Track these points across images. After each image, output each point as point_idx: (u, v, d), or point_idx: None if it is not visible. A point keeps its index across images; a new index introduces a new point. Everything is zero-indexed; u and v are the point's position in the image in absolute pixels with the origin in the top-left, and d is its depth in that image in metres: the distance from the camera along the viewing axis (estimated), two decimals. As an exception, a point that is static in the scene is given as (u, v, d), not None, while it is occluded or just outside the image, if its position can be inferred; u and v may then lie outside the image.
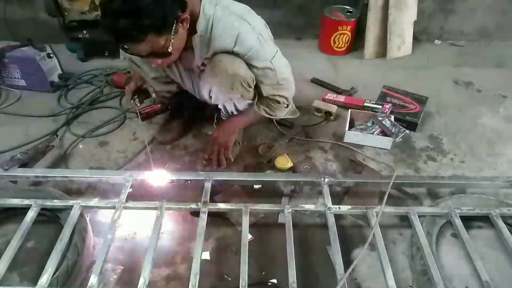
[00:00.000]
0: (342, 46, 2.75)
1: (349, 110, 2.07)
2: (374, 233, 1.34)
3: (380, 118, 1.99)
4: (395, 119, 2.02)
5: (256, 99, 1.66)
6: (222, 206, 1.46)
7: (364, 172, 1.79)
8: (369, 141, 1.93)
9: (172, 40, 1.30)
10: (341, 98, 2.23)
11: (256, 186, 1.68)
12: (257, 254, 1.41)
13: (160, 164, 1.78)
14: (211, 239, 1.47)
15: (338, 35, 2.69)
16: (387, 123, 1.97)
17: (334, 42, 2.72)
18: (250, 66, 1.49)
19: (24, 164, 1.62)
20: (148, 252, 1.26)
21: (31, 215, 1.36)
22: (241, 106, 1.66)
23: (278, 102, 1.65)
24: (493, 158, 1.89)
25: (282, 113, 1.74)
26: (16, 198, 1.43)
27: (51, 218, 1.47)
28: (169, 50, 1.32)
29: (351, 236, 1.50)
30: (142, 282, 1.17)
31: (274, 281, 1.33)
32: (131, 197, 1.47)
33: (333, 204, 1.45)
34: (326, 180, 1.55)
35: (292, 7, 2.76)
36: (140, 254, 1.36)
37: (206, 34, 1.42)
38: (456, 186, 1.66)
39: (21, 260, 1.34)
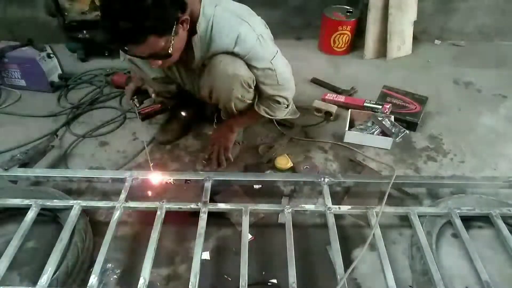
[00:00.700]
0: (342, 46, 2.75)
1: (349, 110, 2.07)
2: (374, 233, 1.34)
3: (380, 118, 1.99)
4: (395, 119, 2.02)
5: (256, 99, 1.66)
6: (222, 206, 1.46)
7: (364, 172, 1.79)
8: (369, 141, 1.93)
9: (173, 41, 1.30)
10: (341, 98, 2.23)
11: (256, 186, 1.68)
12: (257, 254, 1.41)
13: (159, 164, 1.78)
14: (211, 239, 1.47)
15: (338, 35, 2.69)
16: (387, 123, 1.97)
17: (334, 42, 2.72)
18: (250, 66, 1.49)
19: (24, 164, 1.62)
20: (148, 252, 1.26)
21: (31, 215, 1.36)
22: (241, 106, 1.66)
23: (278, 102, 1.65)
24: (493, 158, 1.89)
25: (282, 114, 1.74)
26: (16, 198, 1.43)
27: (51, 218, 1.47)
28: (169, 51, 1.32)
29: (351, 236, 1.49)
30: (142, 282, 1.17)
31: (274, 281, 1.33)
32: (131, 197, 1.47)
33: (333, 204, 1.45)
34: (326, 180, 1.55)
35: (292, 7, 2.76)
36: (140, 254, 1.36)
37: (206, 34, 1.42)
38: (456, 186, 1.66)
39: (21, 260, 1.34)
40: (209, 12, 1.40)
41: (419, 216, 1.42)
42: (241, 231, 1.36)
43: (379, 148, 1.92)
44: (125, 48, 1.27)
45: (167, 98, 1.87)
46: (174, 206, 1.43)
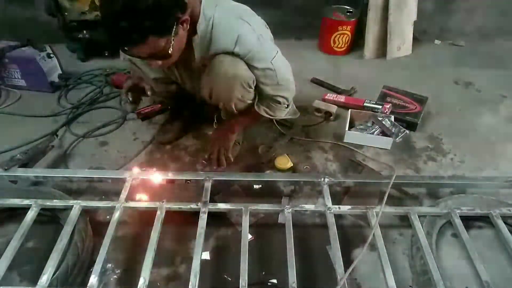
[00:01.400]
0: (342, 46, 2.75)
1: (349, 110, 2.07)
2: (374, 233, 1.34)
3: (380, 118, 1.99)
4: (395, 119, 2.02)
5: (256, 99, 1.66)
6: (222, 206, 1.46)
7: (364, 172, 1.79)
8: (369, 141, 1.93)
9: (173, 42, 1.30)
10: (341, 98, 2.23)
11: (256, 186, 1.68)
12: (257, 254, 1.41)
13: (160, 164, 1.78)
14: (211, 239, 1.47)
15: (338, 35, 2.69)
16: (387, 123, 1.97)
17: (334, 42, 2.72)
18: (250, 66, 1.49)
19: (24, 164, 1.62)
20: (148, 252, 1.26)
21: (31, 215, 1.36)
22: (241, 106, 1.66)
23: (279, 102, 1.65)
24: (493, 158, 1.89)
25: (282, 114, 1.74)
26: (16, 198, 1.43)
27: (51, 218, 1.47)
28: (169, 52, 1.32)
29: (351, 236, 1.49)
30: (142, 282, 1.17)
31: (274, 281, 1.33)
32: (131, 197, 1.47)
33: (333, 204, 1.45)
34: (326, 180, 1.55)
35: (292, 7, 2.76)
36: (140, 254, 1.36)
37: (207, 35, 1.42)
38: (456, 186, 1.66)
39: (21, 260, 1.34)
40: (209, 13, 1.39)
41: (419, 216, 1.42)
42: (241, 231, 1.36)
43: (379, 148, 1.92)
44: (125, 48, 1.27)
45: (167, 98, 1.87)
46: (174, 206, 1.43)
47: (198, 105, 1.95)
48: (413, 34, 2.78)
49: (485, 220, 1.50)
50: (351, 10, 2.71)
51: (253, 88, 1.57)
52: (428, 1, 2.77)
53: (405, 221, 1.51)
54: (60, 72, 2.35)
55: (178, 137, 1.96)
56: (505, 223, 1.42)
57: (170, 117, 2.01)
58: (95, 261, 1.24)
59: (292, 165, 1.78)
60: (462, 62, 2.70)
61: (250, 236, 1.41)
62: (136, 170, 1.60)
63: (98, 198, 1.61)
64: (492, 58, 2.74)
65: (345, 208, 1.45)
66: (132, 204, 1.44)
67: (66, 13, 2.42)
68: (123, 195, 1.46)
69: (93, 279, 1.18)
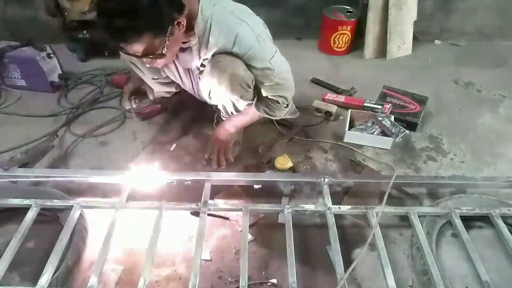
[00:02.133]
0: (342, 46, 2.75)
1: (349, 110, 2.07)
2: (374, 233, 1.34)
3: (380, 118, 1.99)
4: (395, 119, 2.02)
5: (256, 99, 1.66)
6: (222, 206, 1.46)
7: (364, 172, 1.79)
8: (369, 141, 1.93)
9: (167, 42, 1.30)
10: (341, 98, 2.23)
11: (256, 186, 1.68)
12: (257, 254, 1.41)
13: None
14: (211, 239, 1.47)
15: (338, 35, 2.69)
16: (387, 123, 1.97)
17: (334, 42, 2.72)
18: (249, 66, 1.49)
19: (24, 164, 1.62)
20: (148, 252, 1.26)
21: (31, 215, 1.36)
22: (240, 106, 1.66)
23: (278, 102, 1.65)
24: (493, 158, 1.89)
25: (282, 113, 1.73)
26: (16, 198, 1.43)
27: (51, 218, 1.47)
28: (163, 52, 1.32)
29: (351, 236, 1.49)
30: (142, 282, 1.17)
31: (274, 281, 1.33)
32: (131, 197, 1.47)
33: (333, 204, 1.45)
34: (326, 180, 1.55)
35: (292, 7, 2.76)
36: (140, 254, 1.36)
37: (205, 34, 1.42)
38: (456, 186, 1.66)
39: (21, 260, 1.34)
40: (207, 12, 1.39)
41: (419, 216, 1.42)
42: (241, 231, 1.36)
43: (379, 148, 1.92)
44: (120, 46, 1.28)
45: (166, 98, 1.87)
46: (174, 206, 1.43)
47: (198, 105, 1.95)
48: (413, 34, 2.78)
49: (485, 220, 1.50)
50: (351, 10, 2.71)
51: (252, 88, 1.57)
52: (428, 1, 2.76)
53: (405, 221, 1.51)
54: (60, 72, 2.35)
55: (178, 137, 1.96)
56: (505, 223, 1.42)
57: (170, 117, 2.01)
58: (95, 261, 1.24)
59: (292, 165, 1.78)
60: (462, 62, 2.70)
61: (250, 236, 1.41)
62: (136, 170, 1.60)
63: (98, 198, 1.61)
64: (492, 58, 2.74)
65: (345, 208, 1.46)
66: (132, 204, 1.44)
67: (66, 13, 2.42)
68: (123, 195, 1.46)
69: (93, 279, 1.18)
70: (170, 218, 1.52)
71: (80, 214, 1.40)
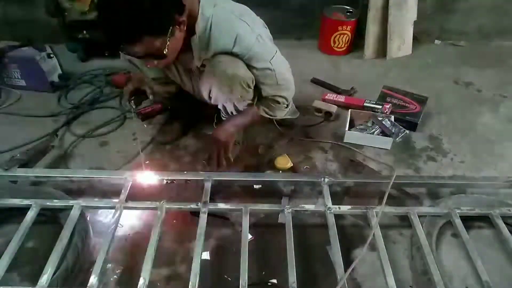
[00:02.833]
0: (342, 46, 2.75)
1: (349, 110, 2.07)
2: (374, 233, 1.34)
3: (380, 118, 1.99)
4: (395, 119, 2.02)
5: (256, 99, 1.66)
6: (222, 206, 1.46)
7: (364, 172, 1.79)
8: (369, 141, 1.93)
9: (168, 43, 1.30)
10: (341, 98, 2.23)
11: (256, 186, 1.68)
12: (257, 254, 1.41)
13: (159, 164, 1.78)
14: (211, 239, 1.47)
15: (338, 35, 2.69)
16: (387, 123, 1.97)
17: (334, 42, 2.72)
18: (249, 66, 1.49)
19: (24, 164, 1.62)
20: (148, 252, 1.26)
21: (31, 215, 1.36)
22: (240, 106, 1.66)
23: (278, 102, 1.65)
24: (493, 158, 1.89)
25: (282, 113, 1.73)
26: (16, 198, 1.43)
27: (51, 218, 1.47)
28: (164, 52, 1.32)
29: (351, 236, 1.49)
30: (142, 282, 1.17)
31: (274, 281, 1.33)
32: (131, 196, 1.47)
33: (333, 204, 1.45)
34: (326, 180, 1.55)
35: (292, 7, 2.76)
36: (140, 254, 1.36)
37: (205, 35, 1.42)
38: (456, 186, 1.66)
39: (21, 260, 1.34)
40: (207, 13, 1.39)
41: (419, 216, 1.42)
42: (241, 231, 1.36)
43: (379, 148, 1.92)
44: (121, 46, 1.28)
45: (167, 98, 1.86)
46: (174, 206, 1.43)
47: (197, 105, 1.95)
48: (413, 34, 2.78)
49: (485, 220, 1.50)
50: (351, 10, 2.71)
51: (253, 88, 1.57)
52: (428, 1, 2.76)
53: (405, 221, 1.51)
54: (60, 72, 2.35)
55: (178, 137, 1.96)
56: (505, 223, 1.42)
57: (170, 117, 2.01)
58: (95, 261, 1.24)
59: (292, 165, 1.78)
60: (462, 62, 2.70)
61: (250, 236, 1.41)
62: (136, 170, 1.60)
63: (98, 198, 1.61)
64: (492, 58, 2.74)
65: (345, 208, 1.46)
66: (132, 204, 1.44)
67: (66, 13, 2.42)
68: (123, 195, 1.46)
69: (93, 279, 1.18)
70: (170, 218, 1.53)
71: (80, 214, 1.40)
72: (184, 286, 1.17)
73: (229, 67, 1.45)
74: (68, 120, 2.06)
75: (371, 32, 2.68)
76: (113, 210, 1.40)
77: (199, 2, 1.39)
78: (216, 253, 1.42)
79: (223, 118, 1.81)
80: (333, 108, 2.12)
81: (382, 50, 2.74)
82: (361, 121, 2.05)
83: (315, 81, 2.46)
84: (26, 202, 1.41)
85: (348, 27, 2.66)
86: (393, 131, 1.94)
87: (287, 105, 1.71)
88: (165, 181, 1.58)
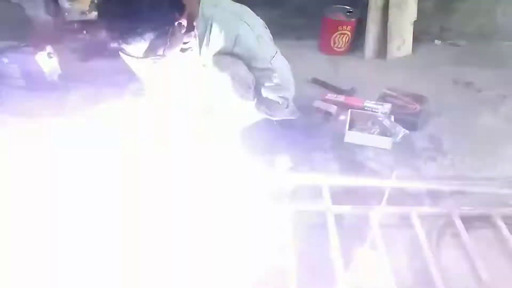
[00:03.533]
0: (342, 46, 2.75)
1: (349, 110, 2.07)
2: (374, 233, 1.34)
3: (380, 118, 1.99)
4: (395, 119, 2.02)
5: (256, 99, 1.66)
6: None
7: (364, 172, 1.79)
8: (369, 141, 1.93)
9: (168, 43, 1.30)
10: (341, 98, 2.23)
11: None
12: (257, 254, 1.41)
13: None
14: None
15: (338, 35, 2.69)
16: (387, 123, 1.97)
17: (334, 42, 2.72)
18: (250, 67, 1.49)
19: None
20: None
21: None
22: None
23: (278, 102, 1.65)
24: (493, 158, 1.89)
25: (282, 114, 1.74)
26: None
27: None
28: (164, 53, 1.32)
29: (351, 236, 1.49)
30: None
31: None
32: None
33: (333, 204, 1.45)
34: (327, 180, 1.55)
35: (292, 7, 2.76)
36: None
37: (205, 35, 1.42)
38: (456, 186, 1.66)
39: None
40: (208, 13, 1.40)
41: (419, 216, 1.42)
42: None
43: (379, 148, 1.92)
44: (121, 47, 1.28)
45: None
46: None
47: None
48: (413, 34, 2.78)
49: (485, 220, 1.50)
50: (351, 10, 2.71)
51: (253, 88, 1.57)
52: (428, 1, 2.76)
53: (405, 221, 1.51)
54: (60, 72, 2.35)
55: None
56: (505, 223, 1.42)
57: None
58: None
59: (292, 165, 1.78)
60: (462, 62, 2.70)
61: (250, 236, 1.41)
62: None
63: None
64: (492, 58, 2.74)
65: (345, 208, 1.46)
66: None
67: (66, 13, 2.42)
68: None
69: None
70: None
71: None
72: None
73: (229, 68, 1.45)
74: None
75: (371, 32, 2.68)
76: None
77: (199, 2, 1.39)
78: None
79: None
80: (333, 108, 2.12)
81: (382, 50, 2.74)
82: (361, 121, 2.05)
83: (315, 81, 2.46)
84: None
85: (348, 27, 2.66)
86: (393, 131, 1.94)
87: (287, 105, 1.71)
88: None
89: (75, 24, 2.46)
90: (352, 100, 2.23)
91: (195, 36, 1.42)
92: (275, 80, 1.55)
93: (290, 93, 1.68)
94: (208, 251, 1.37)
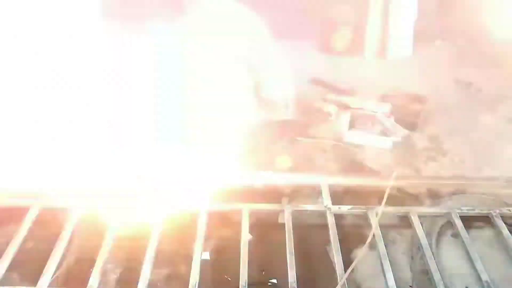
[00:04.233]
0: (342, 46, 2.74)
1: (349, 110, 2.07)
2: (374, 233, 1.34)
3: (380, 118, 1.99)
4: (395, 119, 2.02)
5: (256, 100, 1.66)
6: (222, 206, 1.45)
7: (364, 172, 1.78)
8: (369, 141, 1.93)
9: None
10: (341, 98, 2.23)
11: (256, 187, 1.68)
12: (257, 254, 1.41)
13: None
14: (211, 239, 1.46)
15: (338, 35, 2.68)
16: (387, 123, 1.97)
17: (334, 42, 2.72)
18: (250, 67, 1.49)
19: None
20: (148, 252, 1.26)
21: (31, 215, 1.36)
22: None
23: (278, 102, 1.65)
24: (493, 158, 1.89)
25: (282, 114, 1.73)
26: (16, 198, 1.43)
27: (51, 218, 1.47)
28: None
29: (351, 236, 1.49)
30: (142, 282, 1.17)
31: (274, 281, 1.32)
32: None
33: (333, 204, 1.45)
34: (326, 180, 1.55)
35: (292, 7, 2.76)
36: (140, 254, 1.35)
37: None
38: (456, 186, 1.66)
39: (21, 260, 1.33)
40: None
41: (419, 216, 1.42)
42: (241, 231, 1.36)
43: (379, 148, 1.92)
44: None
45: None
46: (173, 205, 1.43)
47: None
48: (413, 34, 2.77)
49: (485, 220, 1.50)
50: (350, 12, 2.71)
51: (253, 88, 1.57)
52: (429, 1, 2.76)
53: (405, 221, 1.50)
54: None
55: None
56: (505, 223, 1.42)
57: None
58: (95, 261, 1.24)
59: (292, 165, 1.78)
60: (462, 62, 2.69)
61: (250, 236, 1.41)
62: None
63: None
64: (492, 58, 2.73)
65: (345, 208, 1.45)
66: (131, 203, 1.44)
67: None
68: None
69: (93, 279, 1.18)
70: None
71: (80, 214, 1.39)
72: (184, 286, 1.17)
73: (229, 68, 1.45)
74: (68, 120, 2.06)
75: (371, 32, 2.67)
76: (113, 210, 1.40)
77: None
78: (216, 253, 1.42)
79: None
80: (333, 108, 2.12)
81: (382, 50, 2.73)
82: (361, 121, 2.05)
83: (315, 81, 2.46)
84: (26, 202, 1.41)
85: (348, 27, 2.66)
86: (393, 131, 1.94)
87: (287, 105, 1.71)
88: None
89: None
90: (352, 100, 2.22)
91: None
92: (275, 80, 1.55)
93: (290, 93, 1.68)
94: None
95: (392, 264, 1.26)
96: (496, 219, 1.43)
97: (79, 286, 1.26)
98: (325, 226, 1.38)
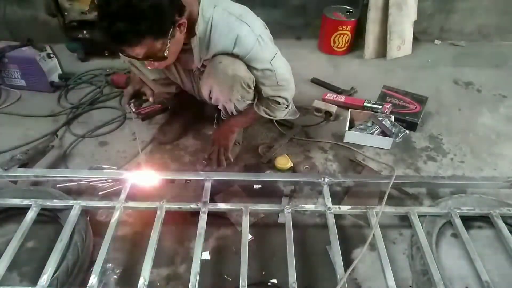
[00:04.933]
0: (342, 46, 2.75)
1: (349, 110, 2.07)
2: (374, 233, 1.34)
3: (380, 118, 1.99)
4: (395, 119, 2.02)
5: (256, 100, 1.66)
6: (222, 206, 1.46)
7: (364, 172, 1.79)
8: (369, 141, 1.93)
9: (169, 44, 1.30)
10: (341, 98, 2.23)
11: (256, 186, 1.68)
12: (257, 254, 1.41)
13: (160, 164, 1.78)
14: (211, 239, 1.47)
15: (338, 35, 2.69)
16: (387, 123, 1.97)
17: (334, 42, 2.72)
18: (249, 67, 1.49)
19: (24, 164, 1.62)
20: (148, 252, 1.26)
21: (31, 215, 1.36)
22: (241, 107, 1.66)
23: (278, 103, 1.65)
24: (493, 158, 1.89)
25: (282, 114, 1.73)
26: (16, 198, 1.43)
27: (51, 218, 1.47)
28: (165, 54, 1.32)
29: (351, 236, 1.49)
30: (142, 282, 1.17)
31: (274, 281, 1.33)
32: (131, 196, 1.47)
33: (333, 204, 1.45)
34: (326, 180, 1.55)
35: (292, 7, 2.76)
36: (140, 254, 1.36)
37: (206, 36, 1.42)
38: (456, 186, 1.66)
39: (21, 260, 1.34)
40: (208, 13, 1.39)
41: (419, 216, 1.42)
42: (241, 231, 1.36)
43: (379, 148, 1.92)
44: (121, 48, 1.27)
45: (167, 98, 1.86)
46: (174, 206, 1.43)
47: (198, 105, 1.95)
48: (413, 34, 2.78)
49: (485, 220, 1.50)
50: (351, 10, 2.71)
51: (253, 88, 1.57)
52: (428, 1, 2.76)
53: (405, 221, 1.51)
54: (60, 72, 2.35)
55: (178, 137, 1.96)
56: (505, 223, 1.42)
57: (170, 117, 2.01)
58: (95, 261, 1.24)
59: (292, 165, 1.78)
60: (462, 62, 2.70)
61: (250, 236, 1.41)
62: (135, 170, 1.60)
63: (98, 198, 1.61)
64: (492, 58, 2.74)
65: (345, 208, 1.45)
66: (132, 204, 1.44)
67: (66, 13, 2.42)
68: (123, 195, 1.46)
69: (93, 279, 1.18)
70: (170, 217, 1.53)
71: (80, 214, 1.40)
72: (184, 286, 1.17)
73: (229, 68, 1.45)
74: (68, 120, 2.06)
75: (371, 32, 2.68)
76: (113, 210, 1.40)
77: (199, 3, 1.39)
78: (216, 253, 1.42)
79: (223, 118, 1.81)
80: (333, 108, 2.12)
81: (382, 50, 2.74)
82: (361, 121, 2.05)
83: (315, 81, 2.46)
84: (26, 202, 1.41)
85: (348, 27, 2.66)
86: (393, 131, 1.94)
87: (287, 105, 1.71)
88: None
89: (75, 24, 2.46)
90: (352, 100, 2.23)
91: (195, 37, 1.42)
92: (275, 81, 1.55)
93: (290, 94, 1.67)
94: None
95: (392, 264, 1.26)
96: (496, 219, 1.43)
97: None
98: (325, 226, 1.38)
